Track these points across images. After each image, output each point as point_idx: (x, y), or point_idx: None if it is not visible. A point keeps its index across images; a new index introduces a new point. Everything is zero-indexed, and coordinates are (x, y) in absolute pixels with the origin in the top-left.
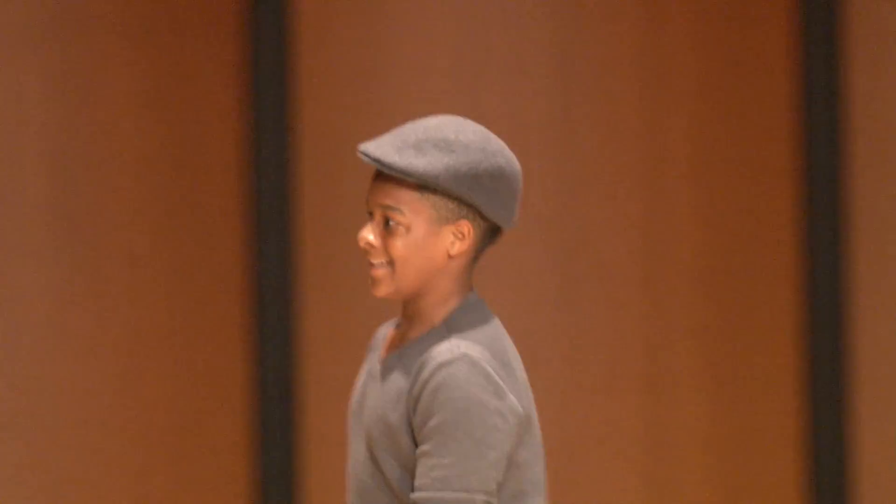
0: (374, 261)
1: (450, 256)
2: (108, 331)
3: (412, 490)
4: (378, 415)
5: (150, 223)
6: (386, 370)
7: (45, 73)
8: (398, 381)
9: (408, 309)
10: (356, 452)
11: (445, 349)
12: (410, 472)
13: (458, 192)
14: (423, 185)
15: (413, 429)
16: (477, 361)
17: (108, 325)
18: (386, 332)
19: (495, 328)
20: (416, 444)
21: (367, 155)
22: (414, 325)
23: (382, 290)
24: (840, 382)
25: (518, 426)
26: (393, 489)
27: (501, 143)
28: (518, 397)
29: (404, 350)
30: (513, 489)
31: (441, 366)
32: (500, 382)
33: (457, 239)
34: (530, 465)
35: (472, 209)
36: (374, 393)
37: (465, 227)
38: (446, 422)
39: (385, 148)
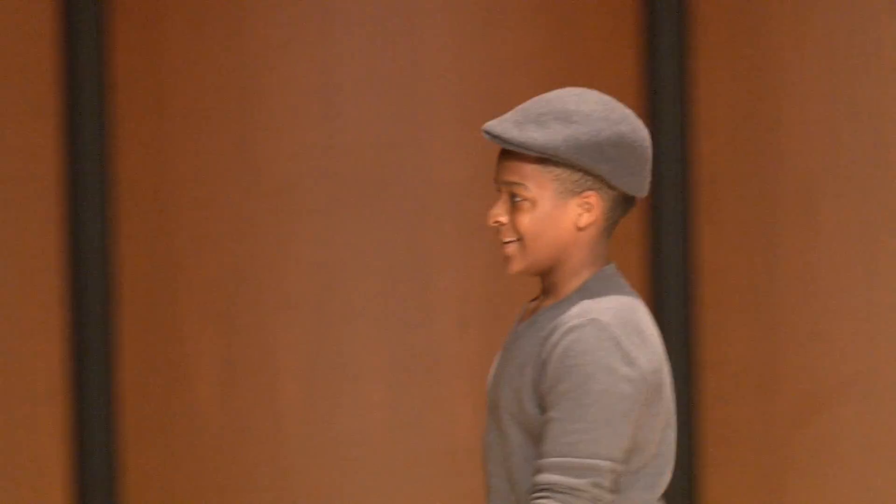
0: (505, 238)
1: (579, 228)
2: None
3: (535, 456)
4: (505, 381)
5: None
6: (516, 338)
7: None
8: (526, 346)
9: (543, 282)
10: (487, 421)
11: (575, 314)
12: (533, 439)
13: (580, 162)
14: (545, 158)
15: (540, 394)
16: (606, 326)
17: None
18: (527, 306)
19: (629, 297)
20: (543, 409)
21: (488, 133)
22: (548, 296)
23: (514, 267)
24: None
25: (647, 393)
26: (514, 455)
27: (626, 112)
28: (650, 364)
29: (535, 318)
30: (632, 456)
31: (570, 330)
32: (630, 347)
33: (584, 210)
34: (654, 432)
35: (597, 179)
36: (504, 361)
37: (592, 198)
38: (574, 387)
39: (506, 124)
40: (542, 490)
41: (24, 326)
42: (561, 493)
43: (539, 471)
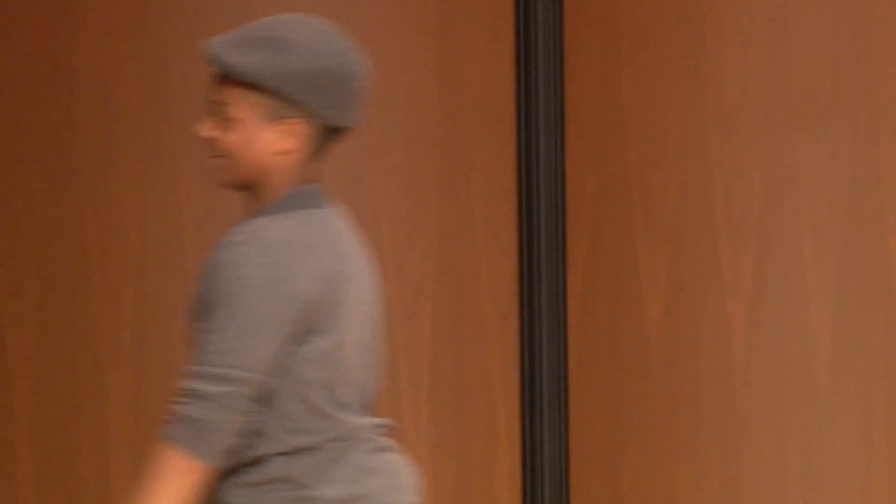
0: (211, 152)
1: (279, 153)
2: None
3: None
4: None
5: None
6: (208, 256)
7: None
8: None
9: (246, 200)
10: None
11: (239, 230)
12: None
13: (281, 90)
14: (249, 82)
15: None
16: (266, 242)
17: None
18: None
19: (317, 216)
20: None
21: (204, 48)
22: (248, 214)
23: (219, 181)
24: None
25: (304, 313)
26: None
27: (342, 45)
28: (316, 284)
29: (224, 237)
30: (298, 377)
31: (228, 245)
32: (292, 264)
33: (285, 136)
34: (324, 356)
35: (300, 108)
36: None
37: (294, 125)
38: (224, 301)
39: (222, 44)
40: (182, 395)
41: (478, 247)
42: (197, 398)
43: (185, 377)
